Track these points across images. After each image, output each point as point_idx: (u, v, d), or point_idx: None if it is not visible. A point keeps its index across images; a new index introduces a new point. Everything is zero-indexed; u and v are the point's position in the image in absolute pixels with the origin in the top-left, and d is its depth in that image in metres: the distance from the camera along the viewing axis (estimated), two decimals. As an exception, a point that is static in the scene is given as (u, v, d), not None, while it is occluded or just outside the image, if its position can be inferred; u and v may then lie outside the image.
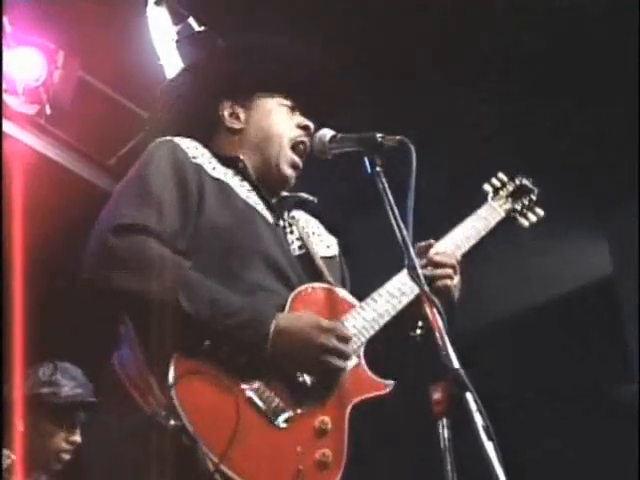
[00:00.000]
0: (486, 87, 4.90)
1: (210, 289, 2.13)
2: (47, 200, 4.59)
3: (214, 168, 2.41)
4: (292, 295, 2.27)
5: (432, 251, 2.46)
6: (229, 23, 4.21)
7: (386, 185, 2.15)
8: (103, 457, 2.16)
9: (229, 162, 2.48)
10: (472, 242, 2.57)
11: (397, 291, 2.36)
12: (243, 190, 2.43)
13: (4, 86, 4.31)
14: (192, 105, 2.62)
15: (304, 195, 2.60)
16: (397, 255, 2.13)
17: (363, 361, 2.29)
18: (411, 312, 2.35)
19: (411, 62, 4.65)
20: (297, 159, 2.54)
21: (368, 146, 2.25)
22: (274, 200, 2.52)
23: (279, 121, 2.55)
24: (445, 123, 5.06)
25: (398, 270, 2.37)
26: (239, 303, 2.13)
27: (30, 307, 4.41)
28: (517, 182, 2.78)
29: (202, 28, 4.22)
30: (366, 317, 2.31)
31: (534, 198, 2.79)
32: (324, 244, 2.60)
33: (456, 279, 2.45)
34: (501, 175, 2.78)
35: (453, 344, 1.86)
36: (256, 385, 2.09)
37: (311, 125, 2.54)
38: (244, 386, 2.08)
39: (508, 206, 2.72)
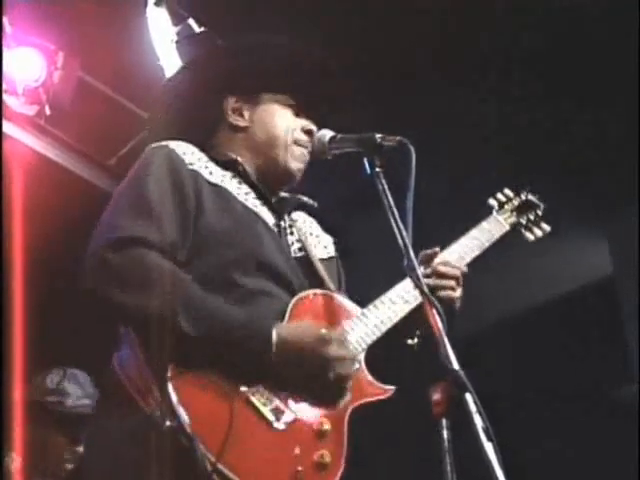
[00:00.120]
0: (486, 87, 4.90)
1: (209, 305, 2.11)
2: (47, 200, 4.59)
3: (211, 173, 2.39)
4: (293, 301, 2.26)
5: (437, 261, 2.45)
6: (229, 24, 4.21)
7: (385, 186, 2.15)
8: (103, 458, 2.15)
9: (227, 165, 2.46)
10: (475, 253, 2.57)
11: (399, 299, 2.36)
12: (241, 193, 2.41)
13: (4, 87, 4.31)
14: (191, 103, 2.59)
15: (304, 198, 2.59)
16: (397, 256, 2.13)
17: (364, 366, 2.28)
18: (411, 319, 2.34)
19: (411, 62, 4.65)
20: (305, 151, 2.51)
21: (367, 147, 2.25)
22: (274, 200, 2.50)
23: (284, 123, 2.53)
24: (445, 123, 5.06)
25: (398, 271, 2.37)
26: (239, 317, 2.11)
27: (30, 307, 4.41)
28: (523, 197, 2.79)
29: (202, 29, 4.22)
30: (367, 324, 2.30)
31: (540, 213, 2.79)
32: (322, 245, 2.59)
33: (459, 291, 2.45)
34: (507, 190, 2.79)
35: (453, 345, 1.86)
36: (255, 387, 2.09)
37: (315, 130, 2.53)
38: (243, 388, 2.07)
39: (513, 220, 2.72)
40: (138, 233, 2.15)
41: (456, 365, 1.83)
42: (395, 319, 2.33)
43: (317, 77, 2.61)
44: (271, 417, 2.08)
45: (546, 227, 2.78)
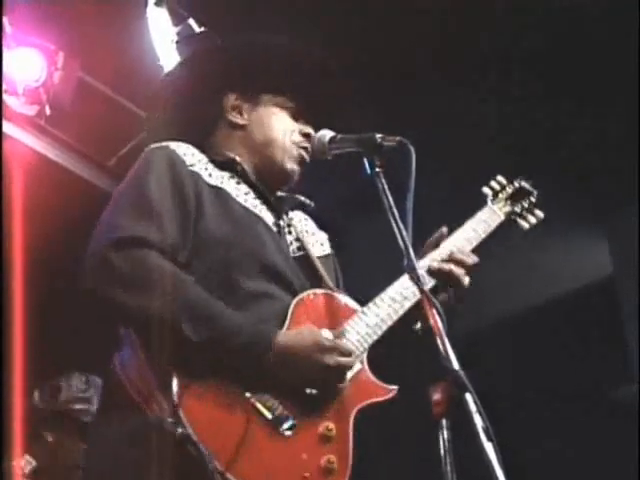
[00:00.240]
0: (486, 87, 4.90)
1: (210, 308, 2.11)
2: (47, 200, 4.59)
3: (210, 175, 2.38)
4: (294, 303, 2.26)
5: (454, 248, 2.47)
6: (229, 24, 4.21)
7: (385, 186, 2.15)
8: (103, 459, 2.14)
9: (225, 165, 2.46)
10: (473, 245, 2.57)
11: (399, 295, 2.35)
12: (240, 194, 2.41)
13: (4, 87, 4.31)
14: (191, 99, 2.58)
15: (302, 198, 2.59)
16: (397, 256, 2.13)
17: (366, 367, 2.29)
18: (412, 315, 2.35)
19: (411, 62, 4.65)
20: (304, 153, 2.52)
21: (367, 147, 2.25)
22: (272, 199, 2.50)
23: (282, 124, 2.53)
24: (445, 123, 5.06)
25: (398, 271, 2.37)
26: (239, 322, 2.11)
27: (30, 307, 4.41)
28: (516, 184, 2.78)
29: (202, 29, 4.22)
30: (368, 323, 2.30)
31: (534, 200, 2.78)
32: (318, 243, 2.59)
33: (467, 280, 2.47)
34: (500, 178, 2.78)
35: (453, 345, 1.86)
36: (260, 394, 2.09)
37: (313, 133, 2.52)
38: (248, 395, 2.07)
39: (508, 209, 2.72)
40: (139, 233, 2.14)
41: (456, 365, 1.83)
42: (395, 316, 2.33)
43: (317, 78, 2.61)
44: (277, 423, 2.08)
45: (539, 214, 2.77)
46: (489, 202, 2.70)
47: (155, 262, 2.12)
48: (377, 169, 2.20)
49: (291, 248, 2.45)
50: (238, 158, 2.48)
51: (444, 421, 1.83)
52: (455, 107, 4.96)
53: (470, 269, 2.47)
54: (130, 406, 2.06)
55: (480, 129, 5.14)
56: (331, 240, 2.66)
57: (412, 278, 2.02)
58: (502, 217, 2.69)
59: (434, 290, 2.37)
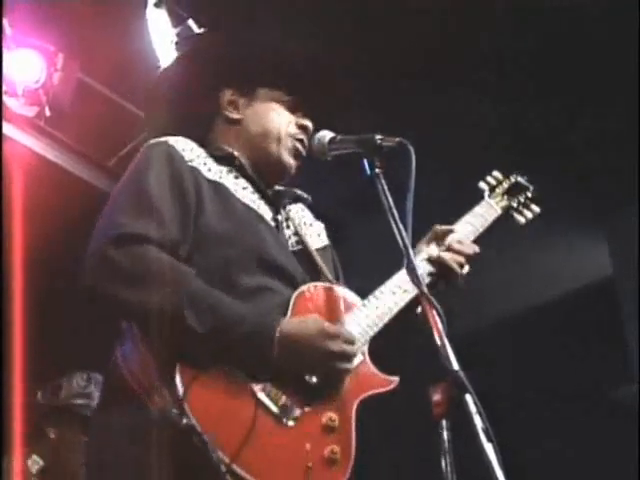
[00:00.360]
0: (486, 87, 4.90)
1: (213, 299, 2.11)
2: (47, 201, 4.59)
3: (209, 170, 2.38)
4: (294, 295, 2.27)
5: (454, 238, 2.50)
6: (229, 25, 4.21)
7: (385, 186, 2.15)
8: (105, 452, 2.14)
9: (224, 160, 2.46)
10: (471, 239, 2.58)
11: (398, 288, 2.37)
12: (239, 189, 2.41)
13: (4, 88, 4.31)
14: (187, 95, 2.58)
15: (298, 192, 2.59)
16: (397, 257, 2.13)
17: (368, 358, 2.29)
18: (413, 301, 2.35)
19: (411, 62, 4.65)
20: (299, 146, 2.52)
21: (367, 147, 2.25)
22: (270, 193, 2.50)
23: (278, 116, 2.52)
24: (445, 123, 5.06)
25: (398, 271, 2.38)
26: (242, 312, 2.12)
27: (30, 307, 4.41)
28: (512, 179, 2.80)
29: (202, 30, 4.22)
30: (369, 315, 2.31)
31: (530, 195, 2.80)
32: (316, 233, 2.59)
33: (466, 268, 2.50)
34: (496, 173, 2.80)
35: (453, 345, 1.86)
36: (263, 384, 2.09)
37: (310, 125, 2.53)
38: (251, 386, 2.08)
39: (504, 203, 2.73)
40: (139, 230, 2.15)
41: (456, 366, 1.83)
42: (396, 309, 2.34)
43: (313, 72, 2.60)
44: (280, 414, 2.08)
45: (536, 209, 2.79)
46: (486, 197, 2.72)
47: (155, 257, 2.12)
48: (377, 170, 2.20)
49: (289, 242, 2.45)
50: (236, 153, 2.48)
51: (444, 422, 1.84)
52: (455, 107, 4.96)
53: (470, 258, 2.50)
54: (133, 399, 2.06)
55: (480, 129, 5.14)
56: (328, 230, 2.66)
57: (412, 279, 2.02)
58: (499, 211, 2.71)
59: (432, 283, 2.39)
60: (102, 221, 2.23)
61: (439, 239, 2.51)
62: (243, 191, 2.42)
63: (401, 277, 2.37)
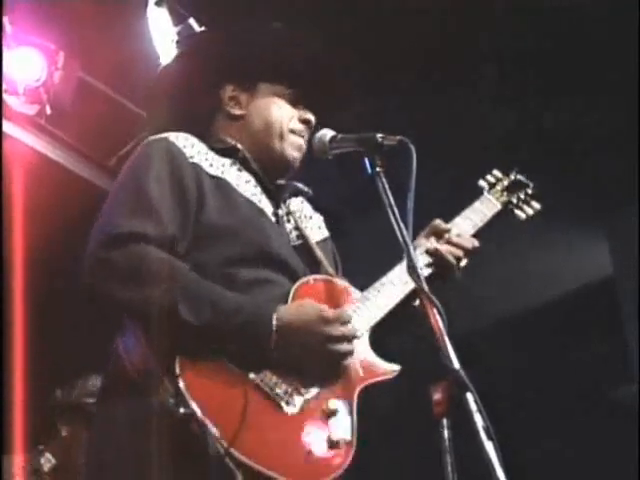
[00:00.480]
0: (486, 87, 4.90)
1: (209, 291, 2.12)
2: (47, 200, 4.60)
3: (211, 165, 2.38)
4: (294, 287, 2.27)
5: (453, 232, 2.51)
6: (229, 24, 4.20)
7: (386, 185, 2.15)
8: (107, 444, 2.14)
9: (226, 152, 2.45)
10: (470, 233, 2.59)
11: (398, 280, 2.37)
12: (242, 182, 2.41)
13: (4, 86, 4.31)
14: (188, 91, 2.57)
15: (300, 185, 2.59)
16: (398, 256, 2.13)
17: (369, 347, 2.29)
18: (411, 294, 2.36)
19: (411, 62, 4.65)
20: (301, 141, 2.51)
21: (368, 146, 2.25)
22: (272, 187, 2.50)
23: (279, 110, 2.52)
24: (445, 123, 5.06)
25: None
26: (239, 303, 2.12)
27: (30, 307, 4.41)
28: (512, 177, 2.80)
29: (202, 29, 4.22)
30: (369, 306, 2.32)
31: (530, 192, 2.80)
32: (316, 226, 2.60)
33: (464, 262, 2.51)
34: (496, 171, 2.80)
35: (453, 344, 1.87)
36: (263, 372, 2.09)
37: (313, 119, 2.53)
38: (251, 374, 2.08)
39: (504, 198, 2.74)
40: (137, 229, 2.15)
41: (457, 364, 1.83)
42: (396, 300, 2.35)
43: (314, 67, 2.60)
44: (281, 401, 2.08)
45: (537, 205, 2.79)
46: (485, 192, 2.72)
47: (152, 255, 2.13)
48: (378, 169, 2.20)
49: (290, 237, 2.46)
50: (239, 145, 2.48)
51: (445, 420, 1.84)
52: (455, 107, 4.96)
53: (468, 252, 2.51)
54: (134, 389, 2.07)
55: (480, 129, 5.14)
56: (327, 223, 2.67)
57: (413, 278, 2.02)
58: (499, 206, 2.71)
59: (430, 277, 2.39)
60: (101, 219, 2.23)
61: (437, 234, 2.52)
62: (245, 185, 2.42)
63: (401, 269, 2.36)
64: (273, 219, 2.43)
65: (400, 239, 2.05)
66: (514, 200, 2.75)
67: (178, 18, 4.26)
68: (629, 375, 5.90)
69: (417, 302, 2.34)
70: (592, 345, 6.35)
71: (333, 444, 2.10)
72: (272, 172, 2.51)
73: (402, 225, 2.05)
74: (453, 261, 2.46)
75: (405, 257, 2.06)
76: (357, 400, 2.19)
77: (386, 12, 4.41)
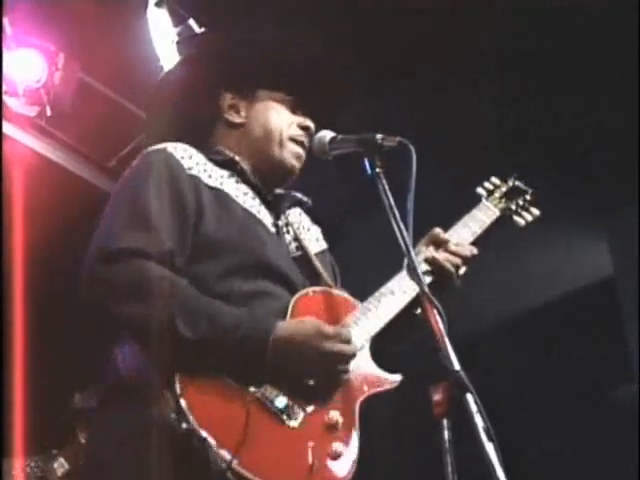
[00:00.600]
0: (486, 87, 4.90)
1: (207, 305, 2.11)
2: (47, 201, 4.60)
3: (210, 176, 2.37)
4: (293, 300, 2.27)
5: (453, 240, 2.51)
6: (229, 25, 4.21)
7: (386, 186, 2.15)
8: (105, 455, 2.14)
9: (225, 165, 2.45)
10: (469, 241, 2.58)
11: (398, 290, 2.37)
12: (240, 194, 2.41)
13: (4, 88, 4.31)
14: (186, 101, 2.57)
15: (299, 195, 2.59)
16: (397, 257, 2.13)
17: (370, 358, 2.29)
18: (412, 303, 2.36)
19: (411, 62, 4.65)
20: (300, 150, 2.51)
21: (368, 147, 2.24)
22: (271, 198, 2.50)
23: (278, 117, 2.52)
24: (445, 123, 5.06)
25: (398, 271, 2.39)
26: (237, 318, 2.11)
27: (30, 308, 4.41)
28: (510, 183, 2.80)
29: (202, 30, 4.22)
30: (369, 317, 2.31)
31: (529, 198, 2.80)
32: (314, 238, 2.60)
33: (463, 269, 2.50)
34: (494, 179, 2.80)
35: (453, 345, 1.87)
36: (264, 386, 2.09)
37: (312, 126, 2.52)
38: (251, 388, 2.08)
39: (503, 205, 2.73)
40: (135, 244, 2.14)
41: (457, 365, 1.83)
42: (396, 310, 2.35)
43: (313, 73, 2.59)
44: (282, 414, 2.08)
45: (535, 211, 2.78)
46: (484, 199, 2.72)
47: (150, 271, 2.11)
48: (378, 169, 2.20)
49: (290, 248, 2.45)
50: (237, 157, 2.48)
51: (445, 421, 1.84)
52: (455, 107, 4.96)
53: (467, 260, 2.50)
54: (133, 400, 2.07)
55: (480, 129, 5.14)
56: (325, 234, 2.66)
57: (413, 279, 2.02)
58: (497, 213, 2.71)
59: (432, 286, 2.38)
60: (99, 231, 2.22)
61: (437, 244, 2.51)
62: (244, 196, 2.42)
63: (400, 279, 2.38)
64: (273, 230, 2.43)
65: (400, 240, 2.05)
66: (513, 207, 2.75)
67: (178, 19, 4.25)
68: (629, 375, 5.90)
69: (417, 310, 2.36)
70: (592, 345, 6.34)
71: (335, 457, 2.10)
72: (271, 180, 2.50)
73: (402, 226, 2.05)
74: (452, 269, 2.45)
75: (405, 259, 2.06)
76: (359, 412, 2.19)
77: (386, 12, 4.41)
